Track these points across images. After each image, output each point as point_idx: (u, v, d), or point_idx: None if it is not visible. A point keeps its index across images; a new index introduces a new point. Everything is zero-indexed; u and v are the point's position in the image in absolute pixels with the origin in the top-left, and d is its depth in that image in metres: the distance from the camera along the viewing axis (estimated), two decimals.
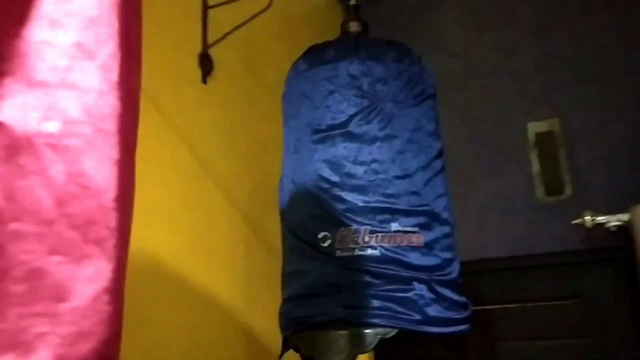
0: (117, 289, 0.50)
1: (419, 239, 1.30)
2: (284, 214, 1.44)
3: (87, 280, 0.47)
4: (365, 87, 1.37)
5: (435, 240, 1.32)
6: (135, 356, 1.18)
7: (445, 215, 1.37)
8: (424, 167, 1.37)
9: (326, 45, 1.50)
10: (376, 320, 1.22)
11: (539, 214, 2.13)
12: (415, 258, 1.27)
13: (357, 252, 1.27)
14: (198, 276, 1.46)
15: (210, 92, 1.63)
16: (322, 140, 1.37)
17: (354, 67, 1.39)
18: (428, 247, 1.30)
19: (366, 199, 1.30)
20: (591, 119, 2.12)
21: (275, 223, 1.50)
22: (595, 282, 1.99)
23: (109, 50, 0.51)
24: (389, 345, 1.24)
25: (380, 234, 1.27)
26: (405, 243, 1.28)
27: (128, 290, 0.55)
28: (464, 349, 1.47)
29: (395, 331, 1.22)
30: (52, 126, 0.47)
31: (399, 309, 1.23)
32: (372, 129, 1.35)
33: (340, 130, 1.36)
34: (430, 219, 1.33)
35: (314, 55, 1.48)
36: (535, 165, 2.18)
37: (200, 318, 1.45)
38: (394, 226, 1.29)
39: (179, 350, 1.36)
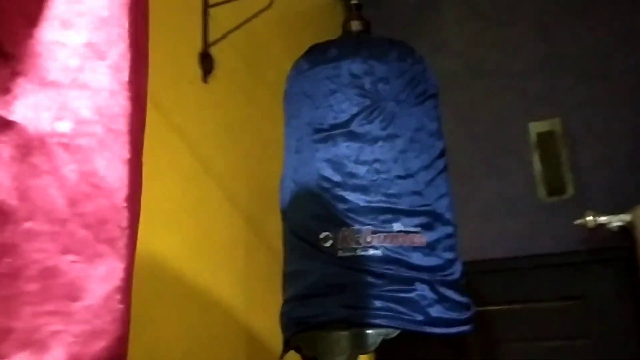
0: (127, 288, 0.50)
1: (421, 239, 1.30)
2: (285, 214, 1.44)
3: (100, 279, 0.48)
4: (367, 86, 1.37)
5: (438, 240, 1.32)
6: (136, 356, 1.18)
7: (447, 215, 1.36)
8: (426, 167, 1.37)
9: (328, 44, 1.50)
10: (378, 321, 1.22)
11: (540, 214, 2.13)
12: (417, 258, 1.27)
13: (359, 253, 1.26)
14: (198, 276, 1.45)
15: (210, 92, 1.63)
16: (323, 140, 1.37)
17: (356, 66, 1.39)
18: (430, 247, 1.30)
19: (368, 198, 1.30)
20: (593, 119, 2.12)
21: (275, 223, 1.50)
22: (596, 283, 1.99)
23: (119, 50, 0.52)
24: (390, 345, 1.24)
25: (382, 234, 1.27)
26: (407, 243, 1.28)
27: None
28: (465, 349, 1.47)
29: (397, 332, 1.22)
30: (64, 126, 0.48)
31: (401, 309, 1.23)
32: (374, 128, 1.35)
33: (342, 130, 1.35)
34: (433, 219, 1.33)
35: (316, 55, 1.48)
36: (537, 166, 2.18)
37: (201, 318, 1.45)
38: (396, 226, 1.29)
39: (180, 350, 1.36)
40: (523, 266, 2.09)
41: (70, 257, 0.47)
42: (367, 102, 1.36)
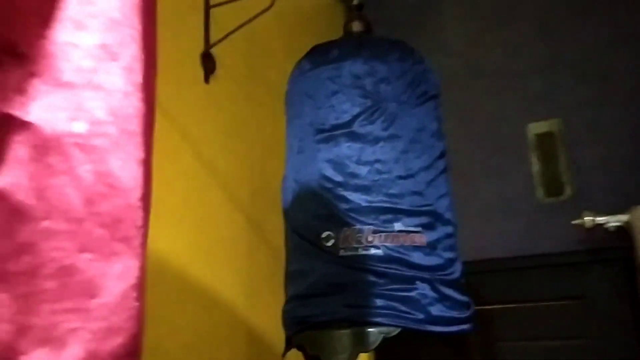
0: (142, 286, 0.50)
1: (422, 238, 1.30)
2: (287, 214, 1.44)
3: (116, 277, 0.48)
4: (368, 87, 1.38)
5: (438, 240, 1.33)
6: None
7: (448, 215, 1.37)
8: (427, 167, 1.37)
9: (329, 45, 1.50)
10: (379, 320, 1.23)
11: (539, 214, 2.14)
12: (418, 258, 1.28)
13: (361, 252, 1.27)
14: (200, 276, 1.46)
15: (212, 92, 1.63)
16: (325, 140, 1.37)
17: (358, 67, 1.39)
18: (431, 246, 1.31)
19: (369, 198, 1.30)
20: (592, 120, 2.13)
21: (277, 222, 1.50)
22: (595, 283, 2.00)
23: (131, 52, 0.52)
24: (390, 344, 1.24)
25: (383, 234, 1.28)
26: (408, 243, 1.29)
27: None
28: (465, 348, 1.48)
29: (398, 330, 1.23)
30: (79, 126, 0.48)
31: (402, 308, 1.24)
32: (376, 129, 1.35)
33: (343, 130, 1.36)
34: (433, 218, 1.34)
35: (317, 55, 1.49)
36: (536, 166, 2.19)
37: (203, 317, 1.46)
38: (397, 226, 1.29)
39: (182, 349, 1.36)
40: (522, 266, 2.10)
41: (87, 256, 0.48)
42: (369, 102, 1.36)
